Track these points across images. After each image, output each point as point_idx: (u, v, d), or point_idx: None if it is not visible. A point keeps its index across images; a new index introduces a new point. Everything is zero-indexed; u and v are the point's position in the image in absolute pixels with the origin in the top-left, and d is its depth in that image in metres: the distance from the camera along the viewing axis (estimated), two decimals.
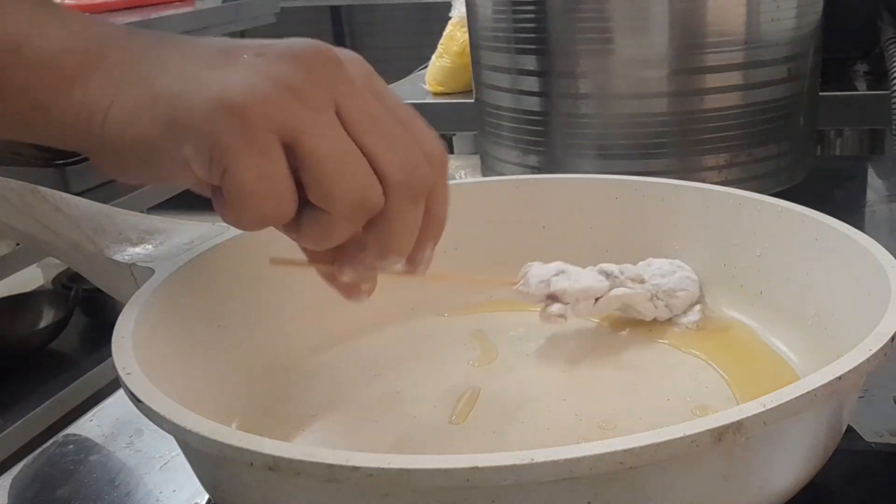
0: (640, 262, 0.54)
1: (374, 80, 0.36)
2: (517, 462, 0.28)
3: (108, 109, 0.34)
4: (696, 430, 0.29)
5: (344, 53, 0.35)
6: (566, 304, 0.49)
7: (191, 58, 0.35)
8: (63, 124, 0.35)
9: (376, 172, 0.34)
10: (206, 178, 0.34)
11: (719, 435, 0.29)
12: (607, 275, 0.51)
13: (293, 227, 0.36)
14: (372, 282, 0.41)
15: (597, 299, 0.50)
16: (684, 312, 0.51)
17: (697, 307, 0.52)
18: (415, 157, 0.35)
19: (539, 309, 0.50)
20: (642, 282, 0.52)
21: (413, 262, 0.39)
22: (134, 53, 0.36)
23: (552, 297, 0.49)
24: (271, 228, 0.36)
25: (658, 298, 0.52)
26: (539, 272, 0.50)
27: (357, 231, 0.36)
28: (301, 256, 0.42)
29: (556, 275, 0.49)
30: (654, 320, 0.52)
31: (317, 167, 0.33)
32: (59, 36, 0.35)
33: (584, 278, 0.50)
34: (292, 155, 0.33)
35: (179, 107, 0.33)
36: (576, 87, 0.72)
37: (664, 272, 0.53)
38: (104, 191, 1.55)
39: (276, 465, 0.29)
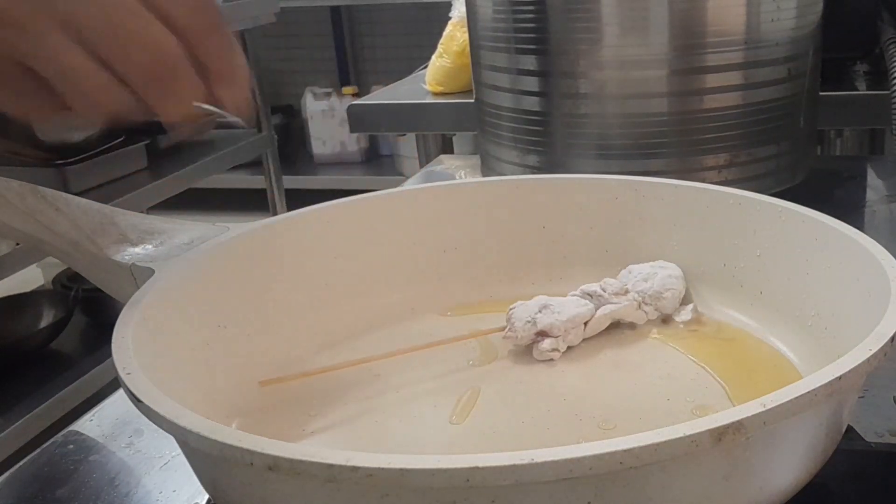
0: (622, 271, 0.54)
1: None
2: (517, 462, 0.28)
3: None
4: (696, 430, 0.29)
5: None
6: (556, 337, 0.49)
7: None
8: None
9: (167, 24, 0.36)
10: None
11: (719, 435, 0.29)
12: (590, 296, 0.51)
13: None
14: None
15: (585, 323, 0.50)
16: (677, 312, 0.51)
17: (690, 306, 0.52)
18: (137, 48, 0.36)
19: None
20: (626, 293, 0.52)
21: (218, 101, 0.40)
22: None
23: (541, 334, 0.49)
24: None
25: (646, 304, 0.52)
26: (522, 313, 0.49)
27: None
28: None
29: (540, 311, 0.49)
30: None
31: (104, 40, 0.35)
32: None
33: (567, 308, 0.50)
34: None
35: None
36: (576, 87, 0.72)
37: (646, 276, 0.53)
38: (104, 191, 1.55)
39: (276, 465, 0.29)
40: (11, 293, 1.59)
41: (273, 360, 0.49)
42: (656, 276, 0.52)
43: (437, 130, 1.30)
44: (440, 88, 1.17)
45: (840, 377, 0.32)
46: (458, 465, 0.28)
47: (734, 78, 0.70)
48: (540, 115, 0.75)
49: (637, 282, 0.52)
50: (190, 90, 0.38)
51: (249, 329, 0.48)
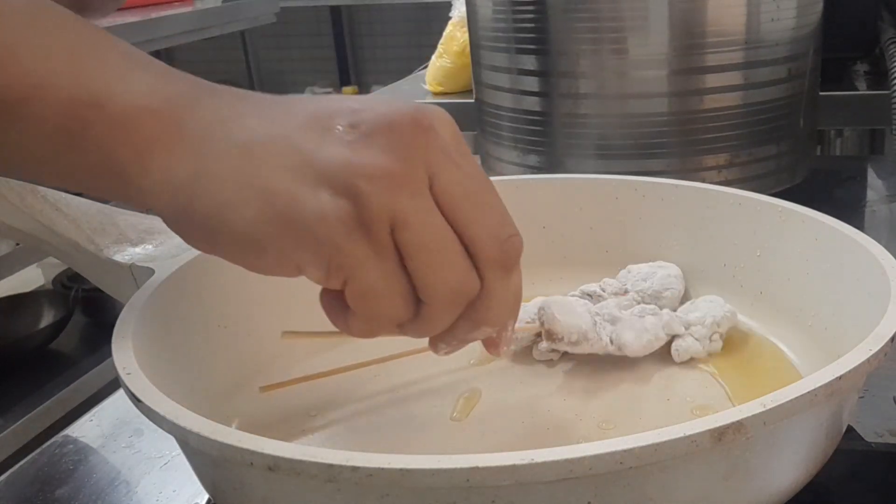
0: (621, 271, 0.54)
1: (461, 144, 0.35)
2: (517, 462, 0.28)
3: (194, 186, 0.33)
4: (696, 430, 0.29)
5: (436, 116, 0.34)
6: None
7: (281, 129, 0.33)
8: (142, 190, 0.33)
9: (471, 251, 0.33)
10: (321, 283, 0.33)
11: (719, 435, 0.29)
12: (590, 296, 0.51)
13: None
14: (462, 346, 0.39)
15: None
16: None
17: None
18: (505, 227, 0.34)
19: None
20: (626, 293, 0.52)
21: (494, 342, 0.38)
22: (218, 119, 0.33)
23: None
24: None
25: (646, 304, 0.52)
26: (522, 314, 0.49)
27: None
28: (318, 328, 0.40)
29: (540, 312, 0.49)
30: None
31: (417, 258, 0.33)
32: (140, 92, 0.33)
33: (567, 308, 0.49)
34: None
35: (292, 207, 0.32)
36: (576, 87, 0.72)
37: (645, 275, 0.53)
38: None
39: (276, 465, 0.29)
40: (11, 293, 1.59)
41: (273, 360, 0.49)
42: (655, 275, 0.52)
43: None
44: (440, 88, 1.17)
45: (840, 377, 0.32)
46: (458, 465, 0.28)
47: (734, 78, 0.70)
48: (540, 115, 0.75)
49: (636, 281, 0.52)
50: (517, 289, 0.35)
51: (249, 329, 0.48)
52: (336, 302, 0.34)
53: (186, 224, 0.34)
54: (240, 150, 0.33)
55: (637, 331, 0.47)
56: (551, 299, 0.48)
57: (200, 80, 0.35)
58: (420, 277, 0.33)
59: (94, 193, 0.36)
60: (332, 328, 0.36)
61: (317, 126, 0.33)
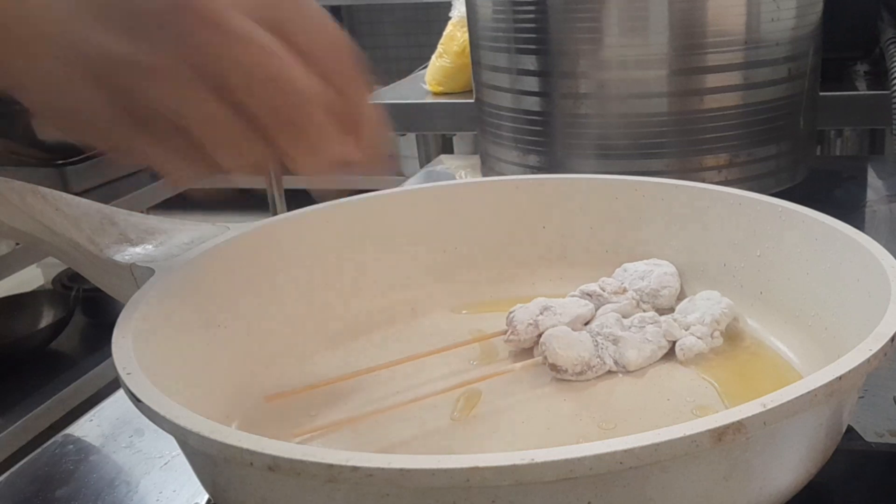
0: (617, 270, 0.54)
1: None
2: (517, 462, 0.28)
3: None
4: (696, 430, 0.29)
5: None
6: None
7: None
8: None
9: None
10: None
11: (719, 435, 0.29)
12: (590, 296, 0.51)
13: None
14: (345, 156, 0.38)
15: (585, 323, 0.50)
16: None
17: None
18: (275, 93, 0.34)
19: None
20: (625, 291, 0.52)
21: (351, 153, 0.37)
22: None
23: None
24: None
25: (644, 302, 0.52)
26: (524, 315, 0.49)
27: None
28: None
29: (541, 313, 0.49)
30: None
31: (239, 86, 0.33)
32: None
33: (569, 309, 0.50)
34: None
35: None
36: (576, 87, 0.72)
37: (642, 273, 0.53)
38: (104, 191, 1.55)
39: (276, 465, 0.29)
40: (11, 293, 1.59)
41: (273, 360, 0.49)
42: (652, 273, 0.52)
43: (437, 130, 1.30)
44: (440, 88, 1.17)
45: (840, 377, 0.32)
46: (458, 465, 0.28)
47: (734, 78, 0.70)
48: (540, 115, 0.75)
49: (634, 280, 0.52)
50: (325, 138, 0.36)
51: (249, 329, 0.48)
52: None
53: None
54: None
55: (639, 346, 0.47)
56: (551, 332, 0.48)
57: None
58: (206, 145, 0.34)
59: None
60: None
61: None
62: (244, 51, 0.33)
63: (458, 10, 1.14)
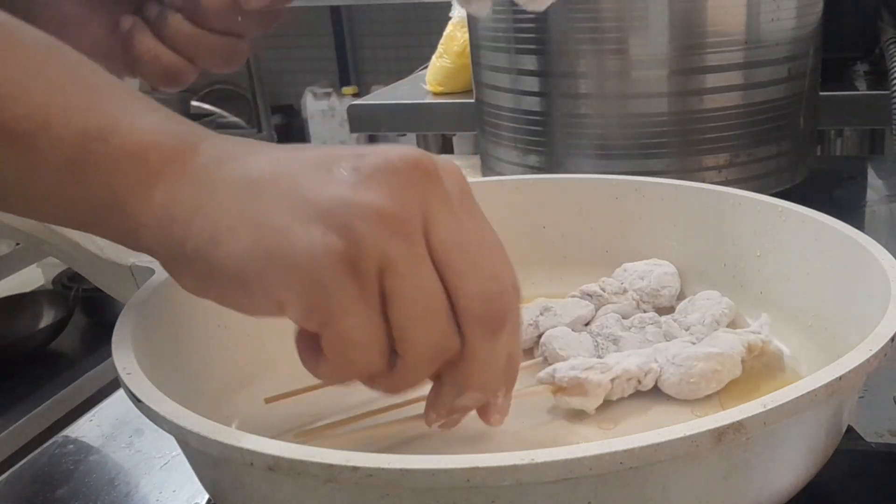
0: (617, 270, 0.54)
1: (466, 195, 0.33)
2: (517, 462, 0.28)
3: (192, 220, 0.32)
4: (696, 430, 0.29)
5: (441, 164, 0.33)
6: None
7: (285, 168, 0.32)
8: (140, 225, 0.33)
9: (454, 306, 0.32)
10: (300, 323, 0.32)
11: (719, 435, 0.29)
12: (590, 296, 0.51)
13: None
14: (457, 417, 0.38)
15: (586, 324, 0.50)
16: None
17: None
18: (497, 283, 0.33)
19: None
20: (625, 291, 0.52)
21: (485, 410, 0.37)
22: (222, 157, 0.33)
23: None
24: None
25: (644, 302, 0.52)
26: (523, 316, 0.49)
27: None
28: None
29: (541, 314, 0.49)
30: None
31: (400, 308, 0.31)
32: (147, 129, 0.33)
33: (569, 309, 0.50)
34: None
35: (282, 242, 0.31)
36: (576, 87, 0.72)
37: (641, 273, 0.53)
38: None
39: (276, 465, 0.29)
40: (11, 293, 1.59)
41: (273, 361, 0.49)
42: (652, 273, 0.52)
43: (437, 130, 1.30)
44: (440, 88, 1.17)
45: (840, 377, 0.32)
46: (458, 465, 0.28)
47: (734, 78, 0.70)
48: (540, 115, 0.75)
49: (634, 280, 0.52)
50: (510, 352, 0.34)
51: (249, 329, 0.48)
52: (311, 344, 0.33)
53: (179, 260, 0.33)
54: (241, 186, 0.32)
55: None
56: (551, 333, 0.47)
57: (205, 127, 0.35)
58: (399, 328, 0.32)
59: (95, 231, 0.35)
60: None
61: (321, 167, 0.32)
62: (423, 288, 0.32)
63: (458, 11, 1.14)
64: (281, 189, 0.32)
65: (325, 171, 0.32)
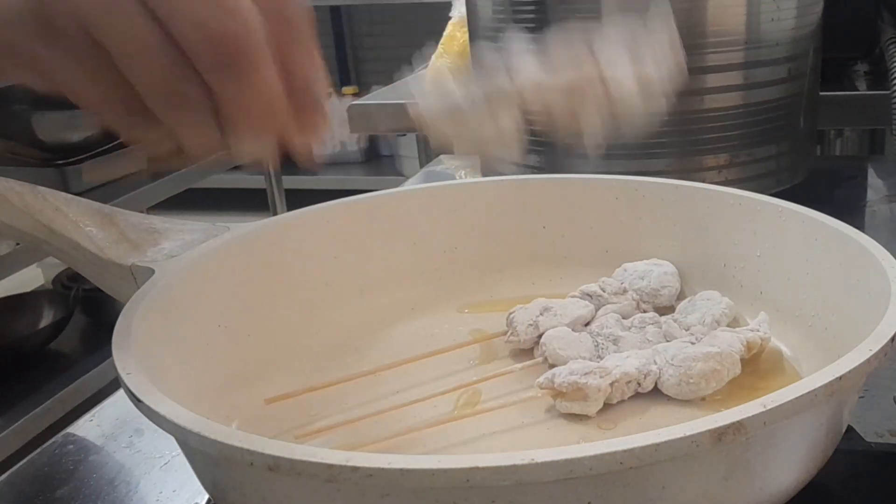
0: (617, 270, 0.54)
1: None
2: (517, 462, 0.28)
3: None
4: (696, 430, 0.29)
5: None
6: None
7: None
8: None
9: (182, 50, 0.29)
10: (45, 90, 0.31)
11: (719, 435, 0.29)
12: (590, 296, 0.51)
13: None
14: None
15: (586, 324, 0.50)
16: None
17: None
18: (220, 19, 0.29)
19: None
20: (625, 291, 0.52)
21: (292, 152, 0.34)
22: None
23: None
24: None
25: (644, 302, 0.52)
26: (523, 316, 0.49)
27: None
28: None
29: (541, 314, 0.49)
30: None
31: (119, 60, 0.29)
32: None
33: (569, 309, 0.50)
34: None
35: None
36: None
37: (642, 273, 0.53)
38: (104, 191, 1.55)
39: (276, 465, 0.29)
40: (11, 293, 1.59)
41: (273, 360, 0.49)
42: (652, 273, 0.52)
43: None
44: None
45: (840, 377, 0.32)
46: (458, 465, 0.28)
47: (734, 78, 0.70)
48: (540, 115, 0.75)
49: (634, 280, 0.52)
50: (265, 90, 0.31)
51: (249, 329, 0.48)
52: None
53: None
54: None
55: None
56: (551, 333, 0.47)
57: None
58: (133, 81, 0.30)
59: None
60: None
61: None
62: None
63: (458, 10, 1.14)
64: None
65: None
